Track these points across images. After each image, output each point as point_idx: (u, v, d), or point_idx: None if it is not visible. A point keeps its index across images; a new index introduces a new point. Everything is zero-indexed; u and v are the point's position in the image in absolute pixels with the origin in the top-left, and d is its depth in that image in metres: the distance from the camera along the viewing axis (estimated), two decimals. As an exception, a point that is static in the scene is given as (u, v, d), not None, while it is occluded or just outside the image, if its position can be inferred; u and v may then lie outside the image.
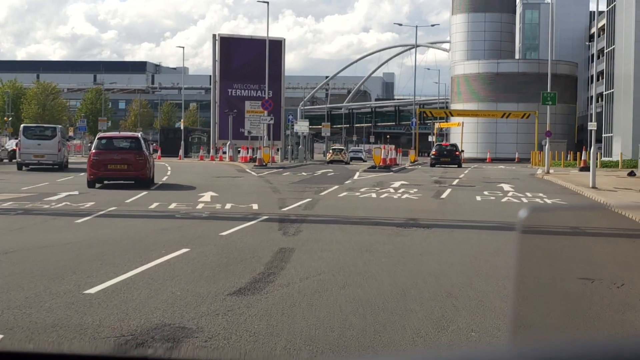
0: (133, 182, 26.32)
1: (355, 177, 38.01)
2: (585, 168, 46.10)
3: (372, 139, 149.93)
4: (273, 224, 16.06)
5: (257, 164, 46.91)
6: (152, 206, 19.89)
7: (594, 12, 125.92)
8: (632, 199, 24.29)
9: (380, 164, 44.09)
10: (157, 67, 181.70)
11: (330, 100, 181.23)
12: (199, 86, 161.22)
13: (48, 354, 2.32)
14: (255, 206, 19.94)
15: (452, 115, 63.04)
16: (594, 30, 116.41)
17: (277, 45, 71.87)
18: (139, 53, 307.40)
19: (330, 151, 76.90)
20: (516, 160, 76.59)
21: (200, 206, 19.91)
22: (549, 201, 23.84)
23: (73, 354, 2.42)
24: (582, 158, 46.92)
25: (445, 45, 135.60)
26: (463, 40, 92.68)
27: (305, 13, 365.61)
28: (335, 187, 29.24)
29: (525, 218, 2.18)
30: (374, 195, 25.20)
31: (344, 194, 25.70)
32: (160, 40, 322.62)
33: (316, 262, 10.90)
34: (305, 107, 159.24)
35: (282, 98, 71.56)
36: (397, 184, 31.26)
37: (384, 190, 27.53)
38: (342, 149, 76.87)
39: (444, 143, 61.67)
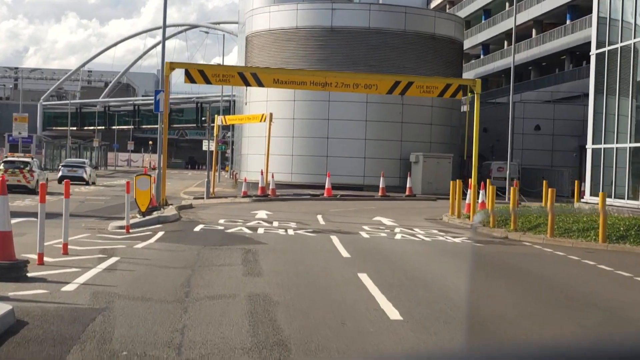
0: None
1: None
2: None
3: (130, 146, 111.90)
4: None
5: None
6: None
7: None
8: None
9: None
10: None
11: (84, 95, 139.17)
12: None
13: None
14: None
15: (259, 83, 23.26)
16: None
17: None
18: None
19: (1, 167, 38.71)
20: (380, 193, 37.83)
21: None
22: None
23: None
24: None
25: (234, 27, 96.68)
26: (267, -26, 52.80)
27: (90, 16, 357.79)
28: None
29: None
30: None
31: None
32: None
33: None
34: (48, 103, 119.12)
35: None
36: None
37: None
38: (27, 163, 36.83)
39: None
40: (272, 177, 37.09)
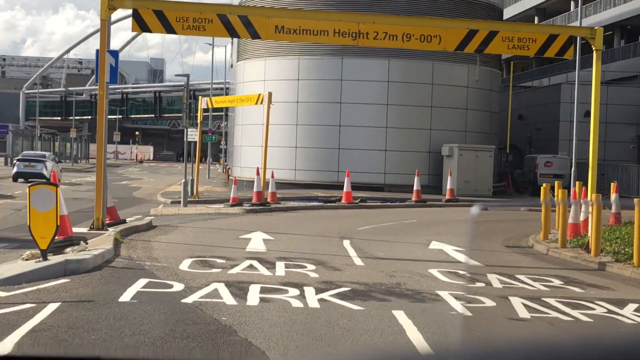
0: None
1: None
2: None
3: (116, 137, 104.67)
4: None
5: None
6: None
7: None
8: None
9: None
10: None
11: (70, 84, 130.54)
12: None
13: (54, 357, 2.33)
14: None
15: (252, 33, 15.12)
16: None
17: None
18: None
19: None
20: (414, 197, 28.81)
21: None
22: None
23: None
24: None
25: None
26: None
27: (87, 7, 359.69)
28: None
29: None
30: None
31: None
32: None
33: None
34: (32, 91, 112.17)
35: None
36: None
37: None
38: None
39: None
40: (272, 176, 28.12)
